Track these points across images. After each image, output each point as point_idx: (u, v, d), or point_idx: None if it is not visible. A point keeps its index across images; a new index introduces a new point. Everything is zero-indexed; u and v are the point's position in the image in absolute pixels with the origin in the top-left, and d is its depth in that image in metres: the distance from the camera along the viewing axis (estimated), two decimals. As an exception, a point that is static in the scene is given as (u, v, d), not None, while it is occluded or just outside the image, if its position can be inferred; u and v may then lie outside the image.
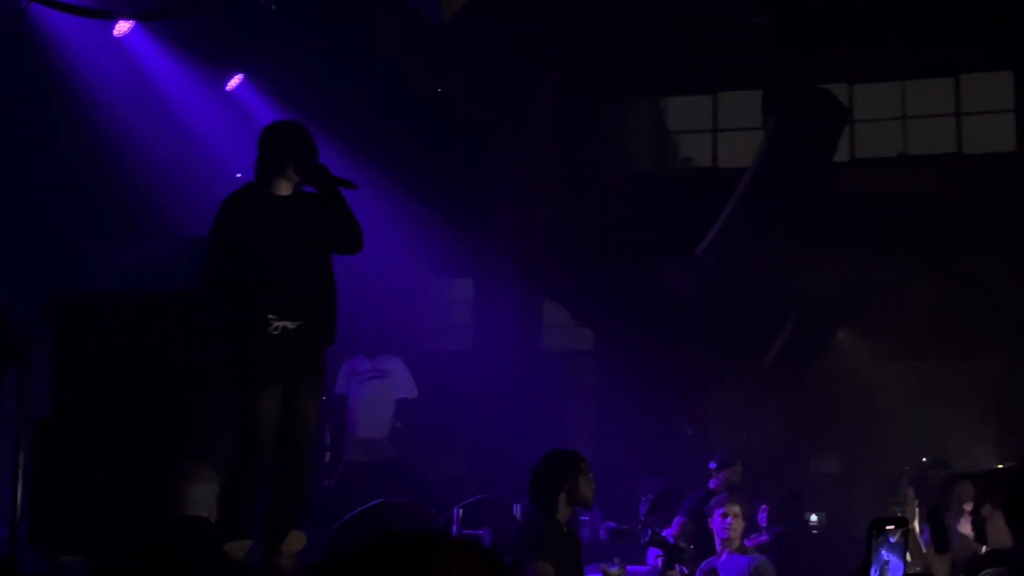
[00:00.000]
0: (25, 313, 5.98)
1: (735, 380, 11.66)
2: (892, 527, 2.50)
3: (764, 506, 8.35)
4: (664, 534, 6.83)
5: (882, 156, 12.32)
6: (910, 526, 2.58)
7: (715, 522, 6.40)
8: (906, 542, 2.54)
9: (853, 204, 11.36)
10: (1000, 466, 7.66)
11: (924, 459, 7.62)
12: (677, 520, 7.81)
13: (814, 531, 8.96)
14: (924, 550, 4.53)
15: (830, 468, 11.63)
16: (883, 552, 2.47)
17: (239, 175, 9.30)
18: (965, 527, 4.83)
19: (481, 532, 6.73)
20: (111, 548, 4.74)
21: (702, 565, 6.37)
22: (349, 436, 8.52)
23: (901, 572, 2.49)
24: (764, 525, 8.25)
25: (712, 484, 8.16)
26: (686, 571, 6.31)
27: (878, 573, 2.46)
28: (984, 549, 4.25)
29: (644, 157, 13.35)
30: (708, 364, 11.68)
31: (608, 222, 11.94)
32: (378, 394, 8.41)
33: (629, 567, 6.06)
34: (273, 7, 8.30)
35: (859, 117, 12.17)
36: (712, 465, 8.42)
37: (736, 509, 6.34)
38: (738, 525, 6.33)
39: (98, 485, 5.49)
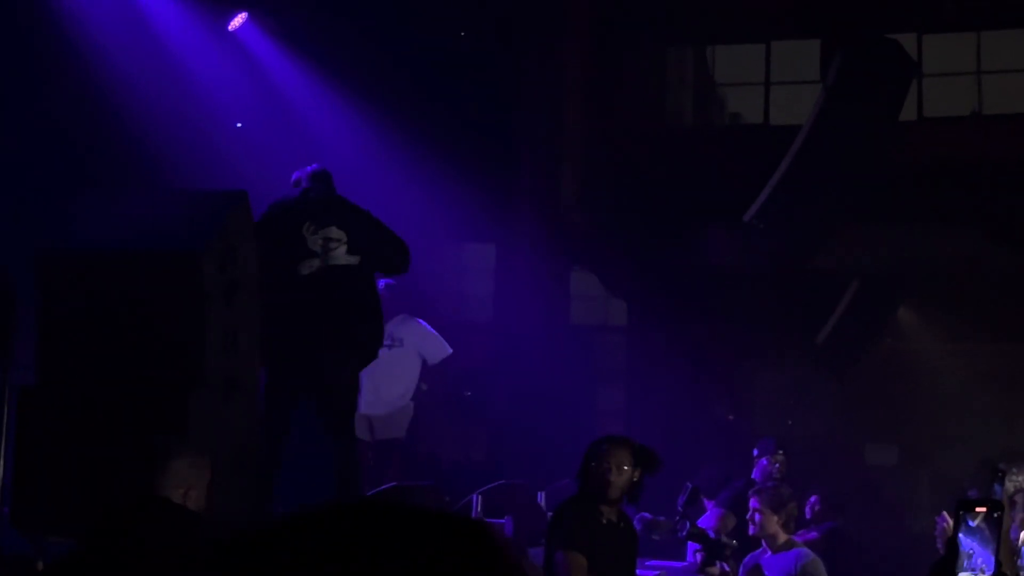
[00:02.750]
0: (8, 273, 6.05)
1: (783, 362, 11.69)
2: (980, 509, 2.37)
3: (814, 498, 8.40)
4: (701, 525, 6.89)
5: (953, 115, 12.24)
6: (1002, 514, 2.41)
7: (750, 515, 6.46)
8: (992, 530, 2.35)
9: (920, 168, 11.32)
10: None
11: (1001, 451, 7.63)
12: (716, 512, 7.87)
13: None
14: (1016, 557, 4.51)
15: (886, 460, 11.66)
16: (960, 537, 2.35)
17: (239, 124, 9.36)
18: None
19: (503, 521, 6.81)
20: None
21: (745, 560, 6.44)
22: None
23: (985, 560, 2.34)
24: (811, 519, 8.30)
25: (755, 474, 8.23)
26: (728, 568, 6.36)
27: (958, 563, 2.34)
28: None
29: (687, 112, 13.33)
30: (753, 343, 11.71)
31: (646, 184, 11.94)
32: (385, 366, 7.70)
33: (666, 563, 6.13)
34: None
35: (929, 71, 12.09)
36: (755, 453, 8.49)
37: (764, 505, 6.37)
38: (766, 522, 6.36)
39: (85, 460, 5.56)
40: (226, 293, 6.13)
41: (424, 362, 8.53)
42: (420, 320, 8.59)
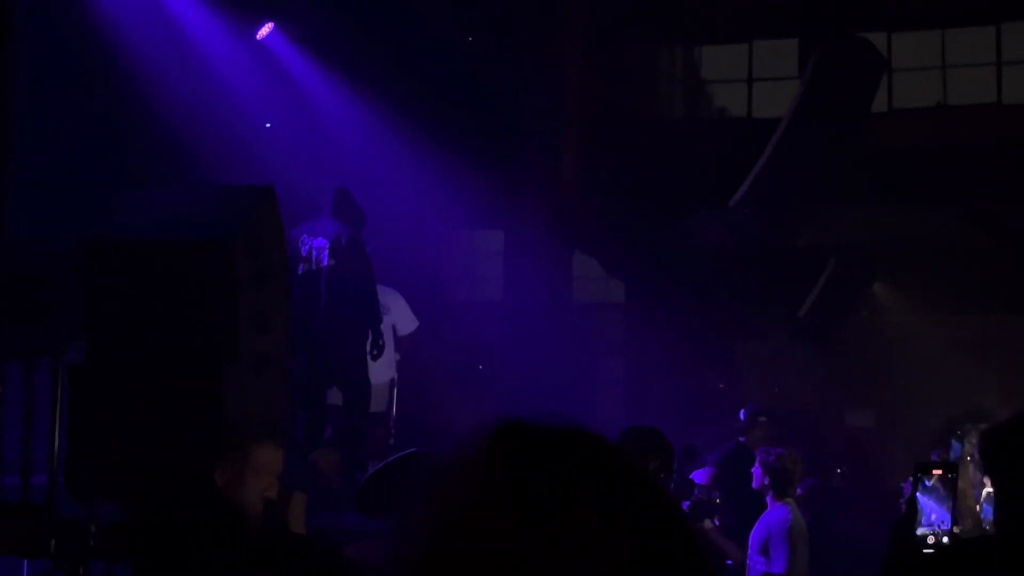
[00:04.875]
0: (57, 261, 6.04)
1: (768, 334, 11.63)
2: (936, 472, 2.37)
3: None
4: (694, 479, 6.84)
5: (921, 106, 12.13)
6: (956, 475, 2.36)
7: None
8: (948, 489, 2.35)
9: (890, 155, 11.23)
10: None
11: (964, 412, 7.56)
12: (707, 470, 7.81)
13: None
14: (978, 508, 4.45)
15: (863, 422, 11.60)
16: (918, 496, 2.34)
17: (268, 124, 9.32)
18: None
19: None
20: (146, 497, 4.78)
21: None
22: None
23: (941, 517, 2.34)
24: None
25: (743, 437, 8.15)
26: (718, 523, 6.31)
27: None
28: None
29: (678, 106, 13.25)
30: (740, 317, 11.65)
31: (640, 173, 11.87)
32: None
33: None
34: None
35: (897, 66, 11.97)
36: (742, 416, 8.41)
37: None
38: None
39: (130, 431, 5.57)
40: (256, 278, 6.12)
41: (395, 332, 8.11)
42: (397, 291, 8.15)
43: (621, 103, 12.28)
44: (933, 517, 2.34)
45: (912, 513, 2.34)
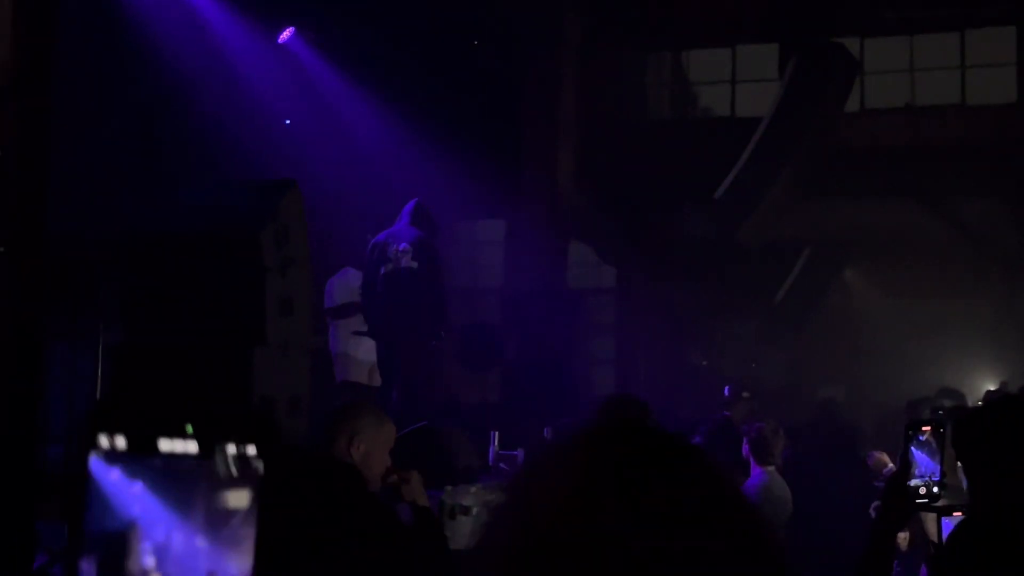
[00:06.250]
0: (98, 252, 6.05)
1: (747, 316, 11.66)
2: (926, 428, 2.37)
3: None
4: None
5: (891, 106, 12.17)
6: (945, 430, 2.39)
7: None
8: (938, 444, 2.35)
9: (862, 152, 11.26)
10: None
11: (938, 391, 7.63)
12: (695, 442, 7.85)
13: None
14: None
15: (835, 396, 11.66)
16: (912, 450, 2.35)
17: (288, 121, 9.34)
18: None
19: (516, 452, 6.82)
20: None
21: None
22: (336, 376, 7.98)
23: (931, 469, 2.33)
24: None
25: (727, 411, 8.21)
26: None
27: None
28: None
29: (666, 107, 13.23)
30: (722, 302, 11.66)
31: (631, 168, 11.88)
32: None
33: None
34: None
35: (869, 70, 12.01)
36: (726, 392, 8.46)
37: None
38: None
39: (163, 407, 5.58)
40: (282, 267, 6.13)
41: None
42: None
43: (613, 104, 12.29)
44: (924, 469, 2.34)
45: (905, 466, 2.35)
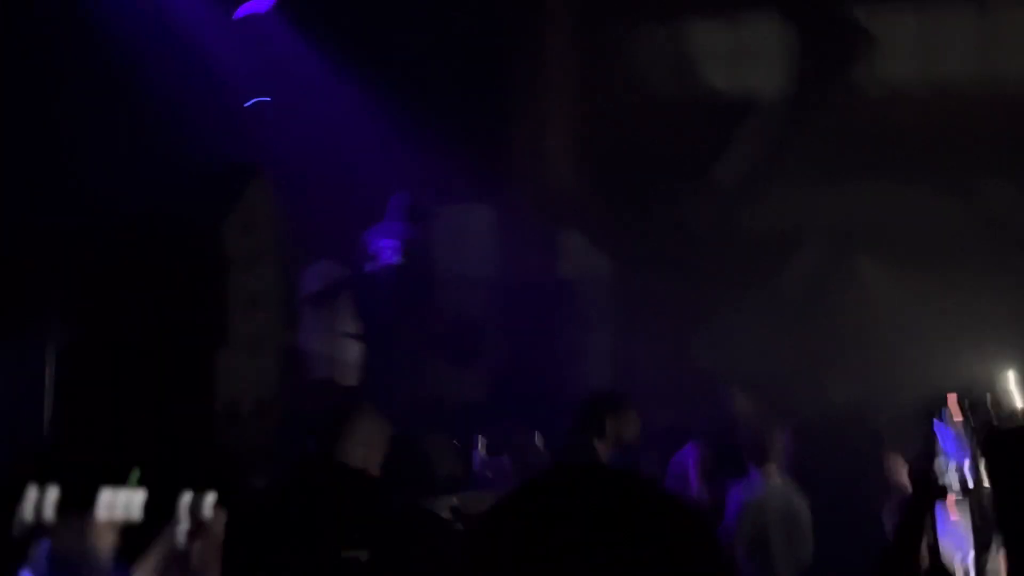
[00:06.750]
0: (46, 244, 5.71)
1: (750, 307, 11.44)
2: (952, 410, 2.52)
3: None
4: (684, 459, 6.69)
5: (904, 84, 11.80)
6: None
7: None
8: (965, 427, 2.56)
9: (874, 132, 10.99)
10: None
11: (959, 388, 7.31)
12: (691, 445, 7.56)
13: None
14: None
15: (846, 393, 11.44)
16: (938, 434, 2.55)
17: (247, 104, 8.93)
18: None
19: (501, 458, 6.52)
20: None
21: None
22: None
23: (960, 457, 2.49)
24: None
25: (728, 410, 7.94)
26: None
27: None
28: None
29: (665, 85, 12.93)
30: (724, 291, 11.45)
31: (625, 153, 11.63)
32: None
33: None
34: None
35: (882, 44, 11.62)
36: (728, 389, 8.20)
37: None
38: None
39: (120, 415, 5.32)
40: (247, 260, 5.88)
41: None
42: None
43: (605, 86, 11.97)
44: (952, 456, 2.51)
45: (930, 453, 2.55)
